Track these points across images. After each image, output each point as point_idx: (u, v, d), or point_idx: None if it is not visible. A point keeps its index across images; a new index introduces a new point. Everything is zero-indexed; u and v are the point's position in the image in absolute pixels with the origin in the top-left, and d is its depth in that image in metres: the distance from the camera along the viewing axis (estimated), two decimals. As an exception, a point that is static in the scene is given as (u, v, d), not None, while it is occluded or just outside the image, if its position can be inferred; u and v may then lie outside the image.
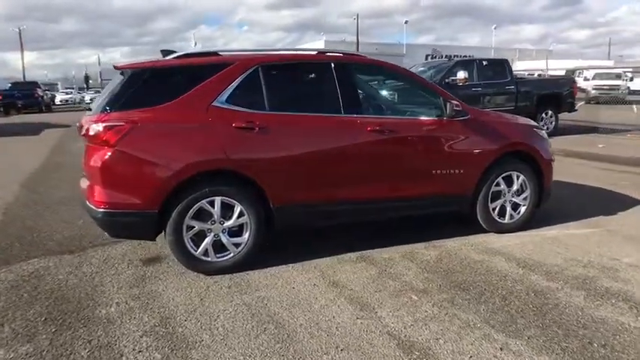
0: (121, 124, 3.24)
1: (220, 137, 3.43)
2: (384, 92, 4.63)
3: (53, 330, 2.77)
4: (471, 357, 2.48)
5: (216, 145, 3.41)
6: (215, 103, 3.46)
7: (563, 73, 21.23)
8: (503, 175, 4.30)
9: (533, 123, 4.73)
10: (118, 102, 3.36)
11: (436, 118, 4.06)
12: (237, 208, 3.49)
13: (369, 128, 3.79)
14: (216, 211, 3.44)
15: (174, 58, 3.64)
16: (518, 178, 4.36)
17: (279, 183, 3.59)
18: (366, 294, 3.21)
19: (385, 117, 4.02)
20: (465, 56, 29.79)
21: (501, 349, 2.55)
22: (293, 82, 3.95)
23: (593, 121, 13.88)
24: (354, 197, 3.82)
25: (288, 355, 2.51)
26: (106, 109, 3.31)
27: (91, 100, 40.76)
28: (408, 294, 3.21)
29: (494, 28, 64.45)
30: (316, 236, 4.30)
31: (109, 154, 3.26)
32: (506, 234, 4.37)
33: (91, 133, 3.30)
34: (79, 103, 38.90)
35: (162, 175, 3.31)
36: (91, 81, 71.96)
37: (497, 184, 4.31)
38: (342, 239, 4.23)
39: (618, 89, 23.19)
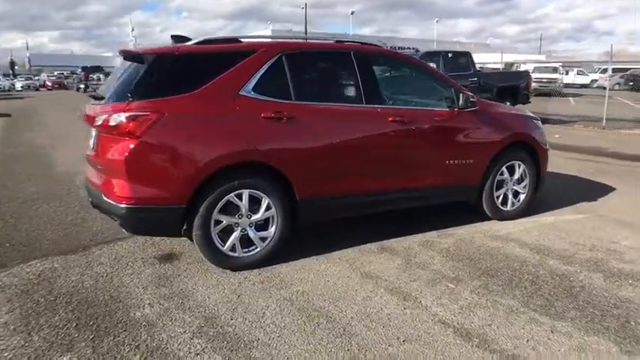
0: (146, 113, 3.02)
1: (249, 127, 3.29)
2: (395, 82, 4.63)
3: (91, 336, 2.57)
4: (527, 340, 2.57)
5: (245, 136, 3.27)
6: (242, 92, 3.31)
7: (501, 66, 22.29)
8: (507, 164, 4.46)
9: (530, 114, 4.93)
10: (138, 90, 3.13)
11: (449, 109, 4.13)
12: (265, 202, 3.38)
13: (390, 119, 3.79)
14: (244, 204, 3.32)
15: (195, 44, 3.43)
16: (519, 167, 4.54)
17: (306, 175, 3.51)
18: (402, 284, 3.23)
19: (404, 107, 4.02)
20: (408, 48, 30.46)
21: (552, 331, 2.66)
22: (316, 71, 3.87)
23: (542, 112, 14.64)
24: (378, 188, 3.81)
25: (352, 349, 2.48)
26: (128, 97, 3.07)
27: (22, 87, 38.15)
28: (443, 282, 3.26)
29: (437, 22, 66.48)
30: (330, 227, 4.25)
31: (134, 145, 3.03)
32: (508, 221, 4.55)
33: (112, 123, 3.05)
34: (9, 90, 36.09)
35: (192, 168, 3.13)
36: (17, 67, 66.77)
37: (502, 174, 4.46)
38: (355, 230, 4.21)
39: (556, 82, 24.67)
